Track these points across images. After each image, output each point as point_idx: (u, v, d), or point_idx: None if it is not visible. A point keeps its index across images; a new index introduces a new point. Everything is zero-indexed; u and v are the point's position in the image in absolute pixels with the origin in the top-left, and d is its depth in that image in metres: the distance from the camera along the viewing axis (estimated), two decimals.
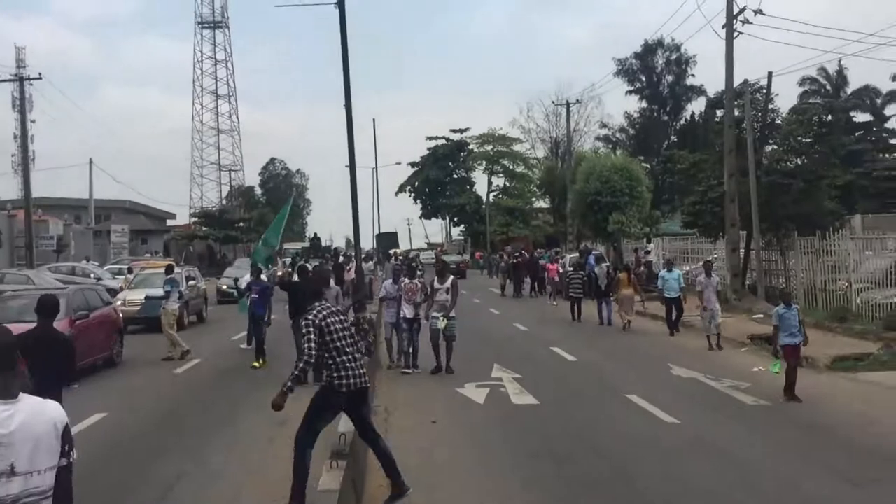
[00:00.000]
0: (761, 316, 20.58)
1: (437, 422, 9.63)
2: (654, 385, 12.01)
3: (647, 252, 31.93)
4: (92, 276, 31.91)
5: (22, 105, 33.07)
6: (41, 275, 25.29)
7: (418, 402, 10.90)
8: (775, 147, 23.60)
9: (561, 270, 27.93)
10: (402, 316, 13.11)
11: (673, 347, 16.20)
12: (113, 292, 23.57)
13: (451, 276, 13.30)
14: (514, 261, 32.44)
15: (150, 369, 14.44)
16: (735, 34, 22.43)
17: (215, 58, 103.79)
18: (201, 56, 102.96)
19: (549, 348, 16.20)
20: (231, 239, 65.50)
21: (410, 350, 13.31)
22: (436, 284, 13.13)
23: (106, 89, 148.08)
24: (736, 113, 23.25)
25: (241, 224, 71.96)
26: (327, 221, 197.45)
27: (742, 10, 22.09)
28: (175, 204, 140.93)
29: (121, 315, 16.15)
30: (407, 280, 13.52)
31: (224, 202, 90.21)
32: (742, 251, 23.42)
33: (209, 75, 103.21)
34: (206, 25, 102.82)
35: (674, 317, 18.10)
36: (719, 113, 24.45)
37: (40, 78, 33.19)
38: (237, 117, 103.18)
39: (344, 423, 6.86)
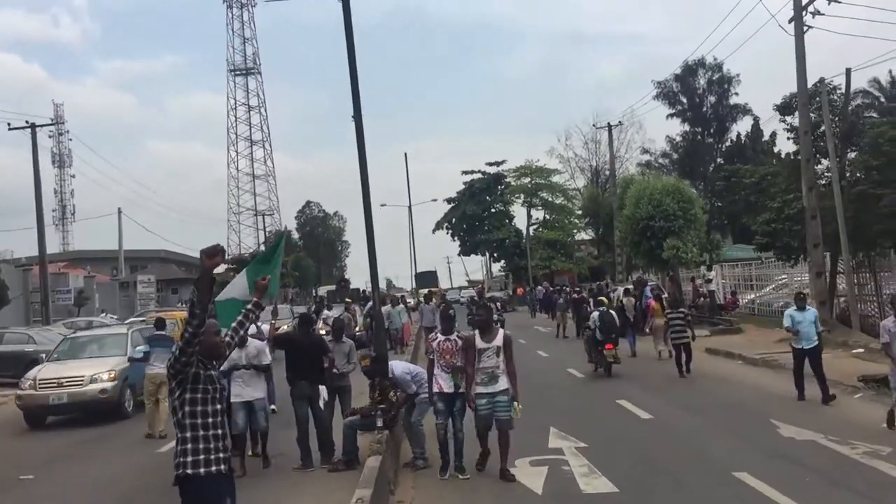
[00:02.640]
0: (862, 350, 17.54)
1: None
2: (765, 455, 9.13)
3: (709, 281, 28.87)
4: None
5: (34, 152, 31.30)
6: (44, 332, 23.13)
7: (453, 496, 8.17)
8: (858, 154, 20.60)
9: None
10: (436, 390, 8.73)
11: (769, 397, 13.22)
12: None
13: (502, 331, 8.77)
14: (575, 295, 28.34)
15: (125, 452, 11.86)
16: (805, 28, 19.65)
17: (248, 104, 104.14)
18: (235, 103, 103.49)
19: (615, 402, 13.33)
20: None
21: (450, 442, 8.78)
22: (479, 343, 8.47)
23: (148, 144, 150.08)
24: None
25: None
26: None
27: (812, 1, 19.35)
28: None
29: None
30: (441, 337, 8.94)
31: (261, 247, 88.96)
32: (828, 275, 20.31)
33: (243, 122, 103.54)
34: (239, 73, 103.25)
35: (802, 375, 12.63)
36: (792, 120, 21.46)
37: (53, 124, 31.86)
38: (272, 162, 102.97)
39: None
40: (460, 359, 8.70)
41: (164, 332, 13.18)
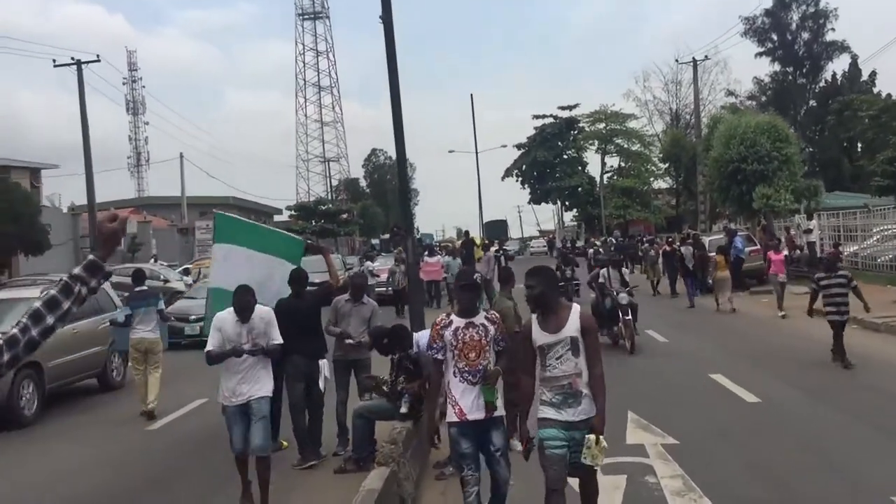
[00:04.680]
0: None
1: None
2: None
3: (808, 231, 25.56)
4: (161, 277, 28.89)
5: (81, 91, 29.94)
6: None
7: None
8: None
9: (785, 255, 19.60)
10: (454, 419, 5.15)
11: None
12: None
13: (577, 308, 4.92)
14: (667, 247, 24.39)
15: (117, 428, 9.98)
16: None
17: (316, 49, 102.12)
18: (303, 48, 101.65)
19: (707, 376, 10.82)
20: (329, 232, 62.11)
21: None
22: (538, 336, 4.81)
23: (223, 93, 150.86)
24: None
25: (345, 216, 68.82)
26: (439, 212, 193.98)
27: None
28: (283, 199, 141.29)
29: None
30: (457, 322, 5.23)
31: (332, 195, 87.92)
32: None
33: (311, 67, 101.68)
34: (307, 17, 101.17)
35: None
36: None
37: (98, 60, 30.16)
38: (340, 108, 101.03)
39: None
40: (493, 357, 5.21)
41: (144, 288, 10.75)
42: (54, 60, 30.25)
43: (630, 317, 13.26)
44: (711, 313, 18.54)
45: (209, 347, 6.37)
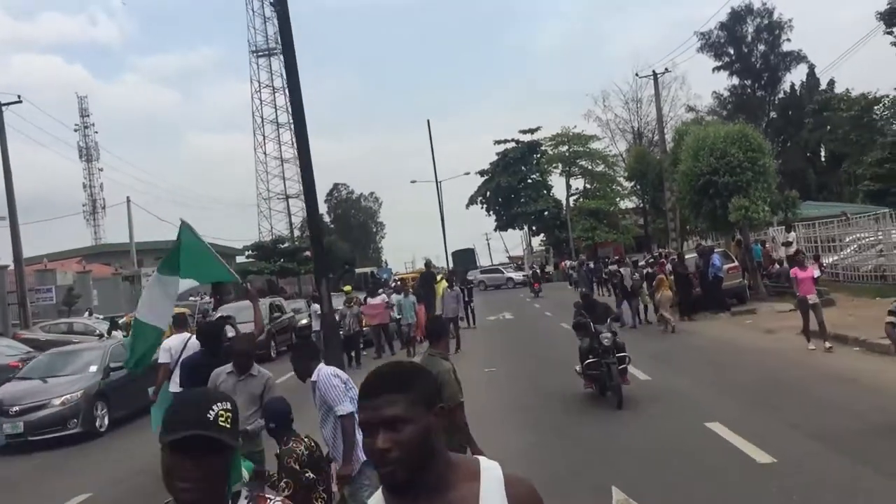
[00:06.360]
0: None
1: None
2: None
3: (788, 243, 24.04)
4: (97, 332, 26.75)
5: (0, 131, 27.71)
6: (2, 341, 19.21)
7: None
8: None
9: (817, 275, 15.82)
10: None
11: None
12: None
13: (493, 471, 1.78)
14: (650, 269, 21.69)
15: None
16: None
17: (272, 86, 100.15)
18: (259, 86, 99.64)
19: (703, 426, 8.89)
20: (289, 271, 59.81)
21: None
22: None
23: (182, 137, 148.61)
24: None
25: (306, 254, 66.75)
26: (406, 245, 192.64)
27: None
28: (245, 240, 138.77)
29: None
30: None
31: (293, 232, 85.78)
32: None
33: (268, 104, 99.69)
34: (261, 54, 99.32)
35: None
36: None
37: (20, 101, 28.02)
38: None
39: None
40: None
41: None
42: None
43: None
44: (694, 343, 16.82)
45: None
